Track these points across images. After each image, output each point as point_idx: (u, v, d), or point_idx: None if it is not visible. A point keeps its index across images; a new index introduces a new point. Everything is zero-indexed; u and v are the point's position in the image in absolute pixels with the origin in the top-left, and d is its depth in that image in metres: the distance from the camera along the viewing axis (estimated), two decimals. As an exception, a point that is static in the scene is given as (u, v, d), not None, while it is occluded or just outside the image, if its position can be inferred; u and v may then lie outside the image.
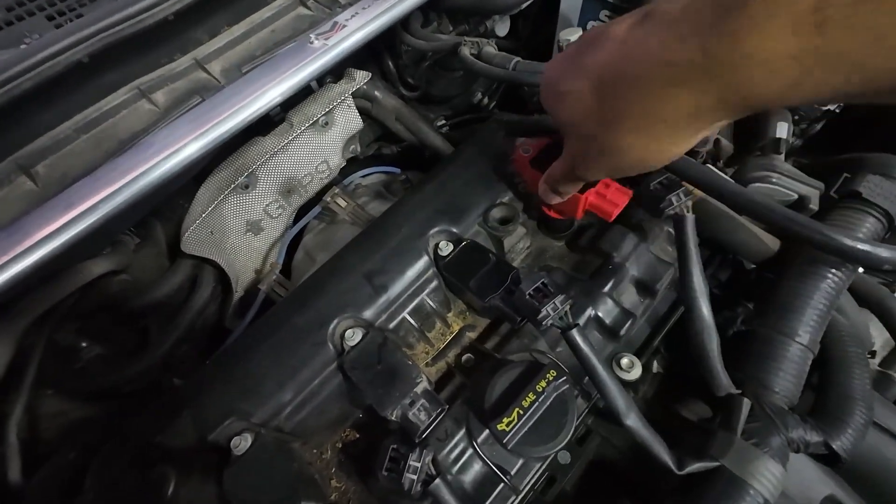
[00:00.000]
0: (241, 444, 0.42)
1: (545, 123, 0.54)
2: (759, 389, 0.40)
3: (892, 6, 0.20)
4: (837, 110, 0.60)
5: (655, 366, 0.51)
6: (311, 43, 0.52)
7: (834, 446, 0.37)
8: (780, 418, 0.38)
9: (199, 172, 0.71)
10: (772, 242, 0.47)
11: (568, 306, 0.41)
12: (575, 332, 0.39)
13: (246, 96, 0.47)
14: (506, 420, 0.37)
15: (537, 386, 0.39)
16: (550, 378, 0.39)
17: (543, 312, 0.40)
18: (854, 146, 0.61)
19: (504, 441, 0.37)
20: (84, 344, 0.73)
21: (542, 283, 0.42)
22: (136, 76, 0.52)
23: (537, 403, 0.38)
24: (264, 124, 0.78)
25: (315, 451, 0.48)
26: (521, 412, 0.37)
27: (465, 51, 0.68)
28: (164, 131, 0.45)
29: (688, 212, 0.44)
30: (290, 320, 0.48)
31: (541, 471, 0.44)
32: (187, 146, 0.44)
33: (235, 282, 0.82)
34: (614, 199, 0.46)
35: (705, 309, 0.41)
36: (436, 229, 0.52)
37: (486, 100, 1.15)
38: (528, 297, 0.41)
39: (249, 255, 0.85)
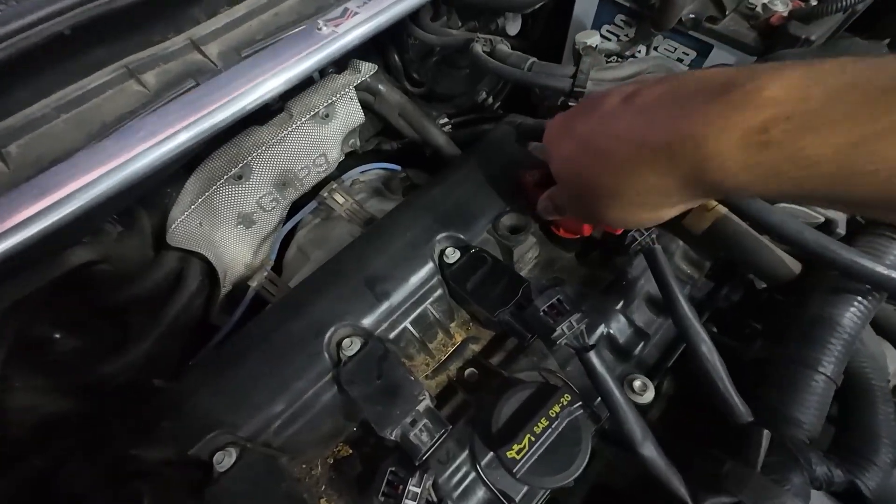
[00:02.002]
0: (225, 459, 0.39)
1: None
2: (780, 421, 0.38)
3: (826, 140, 0.23)
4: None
5: (665, 386, 0.49)
6: (320, 29, 0.49)
7: (860, 486, 0.36)
8: (802, 454, 0.36)
9: (190, 160, 0.67)
10: (793, 265, 0.45)
11: (584, 325, 0.38)
12: (592, 355, 0.36)
13: (245, 83, 0.44)
14: (516, 447, 0.35)
15: (550, 411, 0.36)
16: (564, 402, 0.36)
17: (558, 332, 0.38)
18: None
19: (514, 470, 0.34)
20: (58, 336, 0.69)
21: (558, 299, 0.39)
22: (124, 54, 0.48)
23: (550, 430, 0.35)
24: (261, 114, 0.75)
25: (305, 466, 0.45)
26: (533, 439, 0.35)
27: (478, 48, 0.65)
28: (154, 116, 0.41)
29: (653, 244, 0.45)
30: (284, 326, 0.45)
31: (544, 497, 0.41)
32: (178, 134, 0.40)
33: (224, 276, 0.79)
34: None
35: (705, 340, 0.41)
36: (442, 235, 0.49)
37: (490, 100, 1.13)
38: (542, 313, 0.39)
39: (239, 249, 0.82)
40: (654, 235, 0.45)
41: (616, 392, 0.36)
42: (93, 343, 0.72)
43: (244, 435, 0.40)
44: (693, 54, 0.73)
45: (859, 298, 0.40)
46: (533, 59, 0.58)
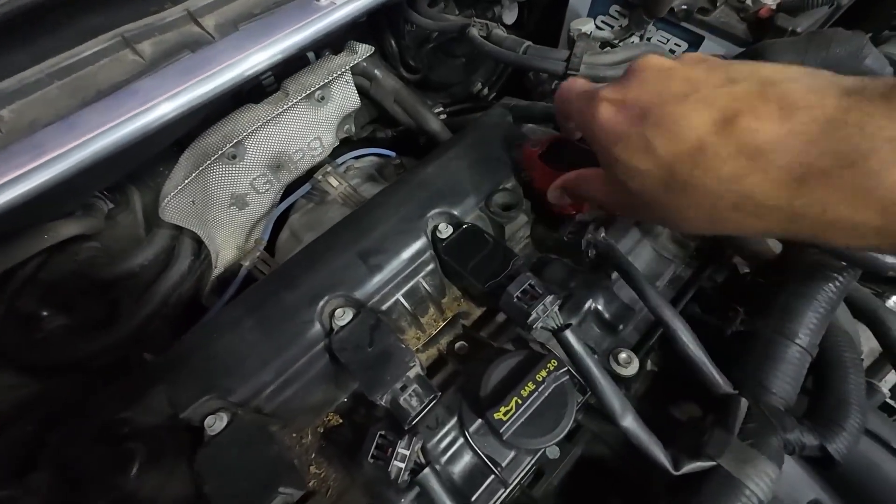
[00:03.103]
0: (217, 423, 0.39)
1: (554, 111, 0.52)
2: (757, 390, 0.40)
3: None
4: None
5: (649, 363, 0.50)
6: (318, 0, 0.49)
7: (830, 449, 0.37)
8: (777, 420, 0.37)
9: (183, 138, 0.67)
10: (774, 246, 0.46)
11: (557, 306, 0.40)
12: (568, 333, 0.38)
13: (239, 52, 0.44)
14: (503, 409, 0.36)
15: (537, 375, 0.37)
16: (551, 368, 0.37)
17: (533, 315, 0.39)
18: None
19: (501, 430, 0.35)
20: (46, 313, 0.69)
21: (530, 284, 0.41)
22: (120, 22, 0.48)
23: (536, 393, 0.36)
24: (257, 94, 0.75)
25: (295, 434, 0.46)
26: (520, 401, 0.36)
27: (475, 31, 0.65)
28: (147, 82, 0.41)
29: (603, 241, 0.45)
30: (277, 295, 0.45)
31: (530, 465, 0.42)
32: (172, 99, 0.40)
33: (216, 257, 0.78)
34: None
35: (679, 321, 0.41)
36: (435, 211, 0.50)
37: (485, 90, 1.14)
38: (516, 300, 0.40)
39: (232, 229, 0.82)
40: (603, 235, 0.46)
41: (594, 368, 0.37)
42: (81, 320, 0.72)
43: (236, 400, 0.41)
44: (684, 45, 0.74)
45: (835, 275, 0.42)
46: (528, 42, 0.59)
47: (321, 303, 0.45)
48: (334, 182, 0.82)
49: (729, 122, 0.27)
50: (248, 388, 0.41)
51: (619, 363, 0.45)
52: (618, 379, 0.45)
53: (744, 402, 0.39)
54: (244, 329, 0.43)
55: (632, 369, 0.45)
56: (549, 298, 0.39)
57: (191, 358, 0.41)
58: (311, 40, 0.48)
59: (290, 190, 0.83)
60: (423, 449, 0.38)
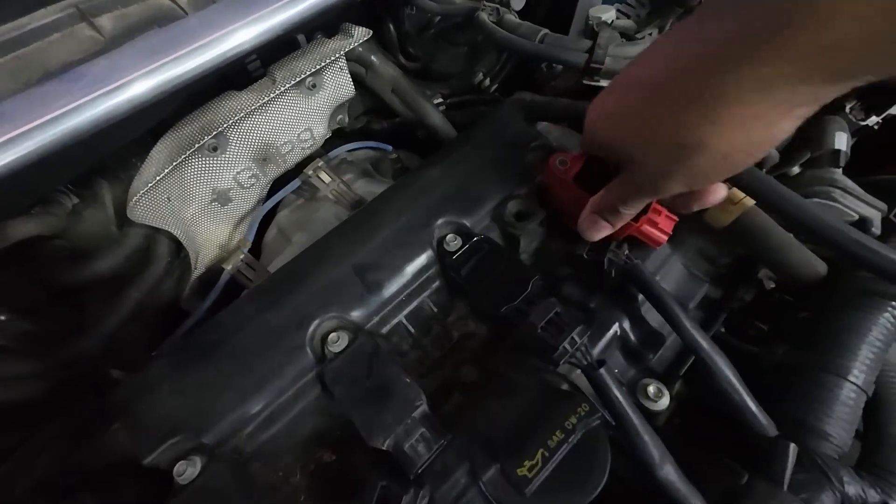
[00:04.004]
0: (188, 470, 0.33)
1: (577, 109, 0.46)
2: (806, 434, 0.35)
3: None
4: (875, 126, 0.56)
5: (677, 388, 0.46)
6: (308, -26, 0.42)
7: (892, 507, 0.33)
8: (832, 471, 0.33)
9: (158, 126, 0.60)
10: (820, 266, 0.42)
11: (587, 339, 0.35)
12: (603, 373, 0.33)
13: (217, 29, 0.37)
14: (528, 464, 0.31)
15: (566, 422, 0.32)
16: (582, 413, 0.32)
17: (560, 350, 0.34)
18: (885, 167, 0.58)
19: (526, 490, 0.30)
20: (4, 318, 0.62)
21: (556, 312, 0.35)
22: (76, -8, 0.41)
23: (566, 444, 0.31)
24: (241, 80, 0.68)
25: (281, 474, 0.40)
26: (547, 455, 0.31)
27: (485, 16, 0.59)
28: (106, 62, 0.34)
29: (630, 261, 0.41)
30: (261, 317, 0.39)
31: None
32: (134, 84, 0.34)
33: (195, 258, 0.72)
34: (665, 228, 0.41)
35: (716, 352, 0.38)
36: (443, 220, 0.44)
37: (487, 82, 1.07)
38: (540, 331, 0.35)
39: (214, 228, 0.75)
40: (627, 252, 0.41)
41: (631, 413, 0.33)
42: (46, 327, 0.65)
43: (211, 441, 0.35)
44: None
45: (893, 303, 0.37)
46: (545, 30, 0.53)
47: (312, 326, 0.39)
48: (326, 178, 0.76)
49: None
50: (226, 426, 0.35)
51: (648, 397, 0.40)
52: (647, 414, 0.40)
53: (793, 448, 0.34)
54: (220, 357, 0.37)
55: (662, 404, 0.40)
56: (577, 330, 0.34)
57: (156, 391, 0.35)
58: (299, 19, 0.41)
59: (279, 184, 0.76)
60: (430, 501, 0.33)
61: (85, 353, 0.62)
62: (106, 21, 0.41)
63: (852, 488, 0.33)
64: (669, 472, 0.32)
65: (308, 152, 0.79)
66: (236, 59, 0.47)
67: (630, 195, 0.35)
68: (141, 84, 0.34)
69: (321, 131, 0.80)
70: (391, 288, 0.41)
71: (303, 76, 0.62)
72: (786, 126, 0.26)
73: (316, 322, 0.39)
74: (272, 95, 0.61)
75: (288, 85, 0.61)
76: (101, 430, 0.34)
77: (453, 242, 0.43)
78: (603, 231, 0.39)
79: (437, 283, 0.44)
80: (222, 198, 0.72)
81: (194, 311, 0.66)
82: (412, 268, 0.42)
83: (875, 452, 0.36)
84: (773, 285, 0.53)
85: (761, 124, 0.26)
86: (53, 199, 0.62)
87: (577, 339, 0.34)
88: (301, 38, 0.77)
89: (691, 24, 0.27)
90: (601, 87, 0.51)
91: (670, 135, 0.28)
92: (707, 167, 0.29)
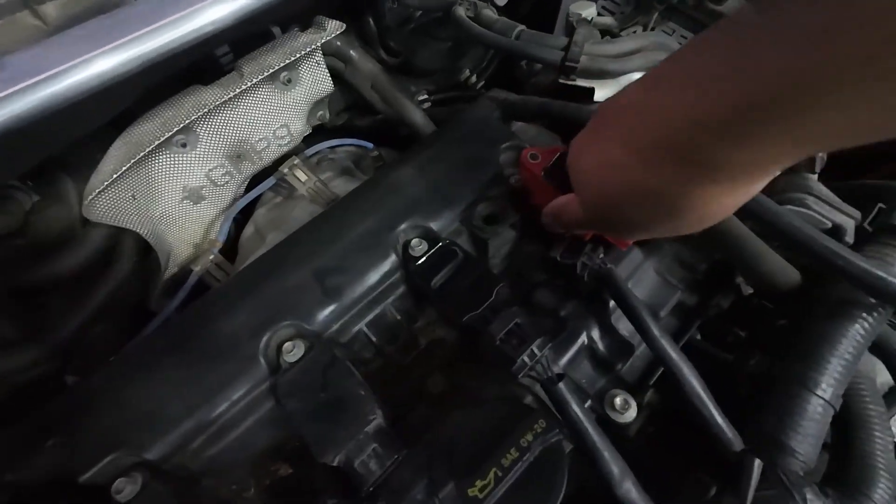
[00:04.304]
0: (128, 488, 0.32)
1: (554, 108, 0.45)
2: (773, 449, 0.34)
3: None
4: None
5: (646, 398, 0.45)
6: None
7: (856, 526, 0.32)
8: (796, 488, 0.32)
9: (123, 121, 0.57)
10: (794, 275, 0.41)
11: (547, 350, 0.33)
12: (562, 387, 0.32)
13: (166, 16, 0.35)
14: (479, 483, 0.29)
15: (521, 439, 0.31)
16: (538, 430, 0.31)
17: (518, 363, 0.33)
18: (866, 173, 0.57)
19: (475, 511, 0.29)
20: (-43, 320, 0.59)
21: (516, 323, 0.34)
22: (17, -24, 0.38)
23: (520, 462, 0.30)
24: (213, 75, 0.65)
25: (235, 487, 0.39)
26: (500, 474, 0.30)
27: (461, 11, 0.57)
28: (38, 49, 0.32)
29: (604, 265, 0.40)
30: (212, 324, 0.38)
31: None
32: (76, 70, 0.31)
33: (166, 258, 0.70)
34: None
35: (685, 364, 0.36)
36: (408, 223, 0.43)
37: (473, 78, 1.05)
38: (498, 342, 0.33)
39: (186, 227, 0.73)
40: (601, 256, 0.40)
41: (591, 430, 0.32)
42: (3, 329, 0.63)
43: (154, 457, 0.33)
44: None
45: (864, 314, 0.36)
46: (521, 26, 0.51)
47: (267, 334, 0.37)
48: (302, 176, 0.74)
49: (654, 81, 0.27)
50: (170, 440, 0.34)
51: (614, 408, 0.39)
52: (612, 426, 0.39)
53: (758, 464, 0.33)
54: (165, 367, 0.35)
55: (629, 416, 0.39)
56: (537, 342, 0.32)
57: (94, 404, 0.34)
58: (261, 5, 0.39)
59: (257, 182, 0.74)
60: (383, 519, 0.32)
61: (44, 358, 0.60)
62: (51, 9, 0.38)
63: (816, 506, 0.32)
64: (629, 489, 0.31)
65: (286, 149, 0.77)
66: (199, 49, 0.44)
67: (585, 227, 0.37)
68: (84, 71, 0.32)
69: (299, 127, 0.77)
70: (352, 294, 0.40)
71: (272, 70, 0.60)
72: (760, 187, 0.27)
73: (271, 330, 0.37)
74: (240, 90, 0.58)
75: (257, 79, 0.59)
76: (35, 445, 0.32)
77: (418, 247, 0.41)
78: (556, 230, 0.40)
79: (401, 290, 0.42)
80: (194, 196, 0.70)
81: (162, 312, 0.64)
82: (375, 273, 0.41)
83: (842, 469, 0.35)
84: (750, 290, 0.53)
85: (741, 194, 0.27)
86: (8, 196, 0.60)
87: (536, 351, 0.33)
88: (276, 30, 0.74)
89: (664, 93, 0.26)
90: (578, 87, 0.49)
91: (651, 198, 0.28)
92: (676, 230, 0.30)
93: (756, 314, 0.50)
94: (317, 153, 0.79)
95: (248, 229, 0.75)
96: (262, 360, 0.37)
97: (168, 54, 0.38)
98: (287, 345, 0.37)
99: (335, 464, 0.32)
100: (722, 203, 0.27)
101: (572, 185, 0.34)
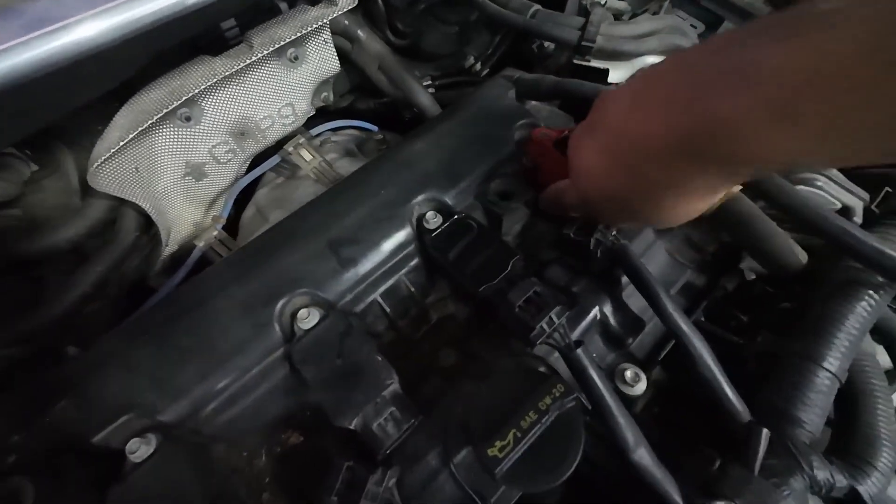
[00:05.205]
0: (142, 448, 0.31)
1: (569, 87, 0.45)
2: (780, 420, 0.35)
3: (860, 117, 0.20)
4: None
5: (654, 375, 0.45)
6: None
7: (861, 492, 0.33)
8: (803, 456, 0.33)
9: (125, 91, 0.56)
10: (801, 255, 0.42)
11: (565, 320, 0.34)
12: (580, 354, 0.32)
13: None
14: (498, 444, 0.30)
15: (540, 403, 0.31)
16: (556, 394, 0.31)
17: (537, 330, 0.33)
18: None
19: (496, 471, 0.29)
20: (-50, 291, 0.58)
21: (535, 291, 0.34)
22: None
23: (539, 425, 0.30)
24: (218, 48, 0.64)
25: (245, 454, 0.38)
26: (519, 435, 0.30)
27: (476, -10, 0.57)
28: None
29: (617, 241, 0.41)
30: (226, 290, 0.37)
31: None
32: (82, 23, 0.30)
33: (167, 234, 0.69)
34: None
35: (697, 337, 0.37)
36: (423, 196, 0.43)
37: (478, 65, 1.05)
38: (517, 309, 0.34)
39: (187, 204, 0.71)
40: (614, 233, 0.41)
41: (607, 395, 0.32)
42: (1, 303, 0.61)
43: (167, 419, 0.33)
44: (702, 27, 0.68)
45: (870, 292, 0.37)
46: (537, 6, 0.51)
47: (281, 301, 0.37)
48: (307, 155, 0.73)
49: (639, 92, 0.30)
50: (183, 405, 0.33)
51: (625, 381, 0.39)
52: (624, 399, 0.39)
53: (765, 434, 0.34)
54: (179, 332, 0.35)
55: (639, 389, 0.39)
56: (556, 310, 0.33)
57: (109, 366, 0.33)
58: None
59: (259, 162, 0.73)
60: (398, 482, 0.32)
61: (41, 330, 0.58)
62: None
63: (821, 473, 0.33)
64: (643, 455, 0.32)
65: (290, 129, 0.76)
66: (205, 14, 0.43)
67: (580, 211, 0.41)
68: (90, 25, 0.31)
69: (304, 108, 0.77)
70: (366, 264, 0.40)
71: (282, 43, 0.59)
72: (716, 198, 0.32)
73: (286, 298, 0.37)
74: (249, 62, 0.57)
75: (266, 52, 0.58)
76: (42, 408, 0.32)
77: (433, 220, 0.41)
78: (555, 211, 0.43)
79: (414, 261, 0.42)
80: (196, 172, 0.69)
81: (161, 289, 0.63)
82: (389, 244, 0.41)
83: (845, 439, 0.36)
84: (753, 276, 0.54)
85: (696, 202, 0.31)
86: (8, 165, 0.58)
87: (555, 318, 0.33)
88: (283, 5, 0.73)
89: (658, 106, 0.28)
90: (591, 68, 0.50)
91: (623, 203, 0.34)
92: (650, 222, 0.38)
93: (759, 299, 0.51)
94: (319, 134, 0.78)
95: (249, 210, 0.74)
96: (276, 327, 0.36)
97: (173, 17, 0.37)
98: (302, 312, 0.37)
99: (352, 427, 0.32)
100: (693, 207, 0.31)
101: (570, 174, 0.37)
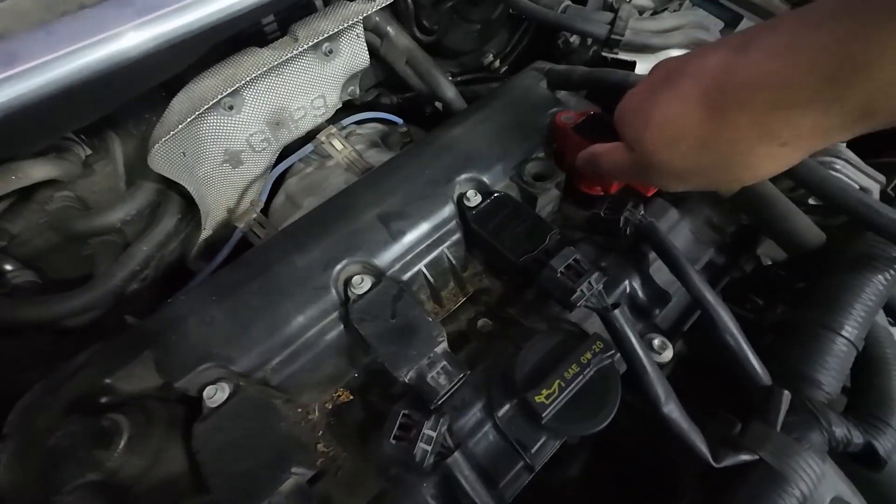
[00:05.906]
0: (218, 394, 0.35)
1: (599, 76, 0.48)
2: (800, 383, 0.38)
3: None
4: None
5: (677, 346, 0.48)
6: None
7: (877, 447, 0.36)
8: (822, 414, 0.35)
9: (171, 82, 0.59)
10: (819, 235, 0.44)
11: (602, 285, 0.37)
12: (617, 313, 0.35)
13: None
14: (545, 392, 0.32)
15: (582, 357, 0.34)
16: (596, 349, 0.34)
17: (578, 293, 0.36)
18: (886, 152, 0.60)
19: (543, 414, 0.32)
20: (11, 267, 0.62)
21: (575, 259, 0.37)
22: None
23: (581, 376, 0.33)
24: (257, 42, 0.68)
25: (300, 410, 0.42)
26: (563, 384, 0.33)
27: (507, -14, 0.60)
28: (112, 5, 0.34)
29: (644, 220, 0.43)
30: (288, 258, 0.40)
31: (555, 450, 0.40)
32: (152, 24, 0.33)
33: (205, 218, 0.72)
34: None
35: (721, 306, 0.39)
36: (464, 176, 0.46)
37: (497, 63, 1.08)
38: (559, 275, 0.37)
39: (224, 189, 0.75)
40: (642, 212, 0.43)
41: (640, 351, 0.35)
42: (53, 277, 0.65)
43: (239, 370, 0.36)
44: (720, 25, 0.71)
45: (885, 266, 0.40)
46: (568, 1, 0.54)
47: (337, 267, 0.40)
48: (339, 145, 0.76)
49: (741, 47, 0.29)
50: (253, 357, 0.37)
51: (653, 349, 0.42)
52: (652, 366, 0.42)
53: (787, 395, 0.37)
54: (248, 293, 0.38)
55: (666, 356, 0.42)
56: (595, 275, 0.36)
57: (185, 322, 0.36)
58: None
59: (285, 155, 0.77)
60: (448, 430, 0.35)
61: (89, 307, 0.62)
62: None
63: (839, 430, 0.35)
64: (672, 409, 0.34)
65: (319, 121, 0.79)
66: (251, 15, 0.46)
67: (628, 176, 0.39)
68: (141, 34, 0.34)
69: (333, 100, 0.80)
70: (413, 236, 0.43)
71: (325, 36, 0.62)
72: (808, 154, 0.30)
73: (341, 264, 0.40)
74: (292, 54, 0.61)
75: (311, 43, 0.61)
76: (130, 356, 0.35)
77: (474, 198, 0.45)
78: (592, 171, 0.42)
79: (456, 236, 0.45)
80: (234, 160, 0.72)
81: (200, 271, 0.66)
82: (434, 219, 0.44)
83: (861, 398, 0.39)
84: (769, 262, 0.56)
85: (793, 156, 0.30)
86: (67, 147, 0.62)
87: (593, 283, 0.36)
88: (319, 3, 0.77)
89: (753, 62, 0.28)
90: (619, 60, 0.53)
91: (708, 156, 0.31)
92: (723, 181, 0.34)
93: (774, 282, 0.54)
94: (345, 127, 0.81)
95: (279, 198, 0.78)
96: (333, 291, 0.40)
97: (221, 21, 0.40)
98: (356, 278, 0.40)
99: (407, 379, 0.35)
100: (777, 162, 0.30)
101: (624, 134, 0.36)
